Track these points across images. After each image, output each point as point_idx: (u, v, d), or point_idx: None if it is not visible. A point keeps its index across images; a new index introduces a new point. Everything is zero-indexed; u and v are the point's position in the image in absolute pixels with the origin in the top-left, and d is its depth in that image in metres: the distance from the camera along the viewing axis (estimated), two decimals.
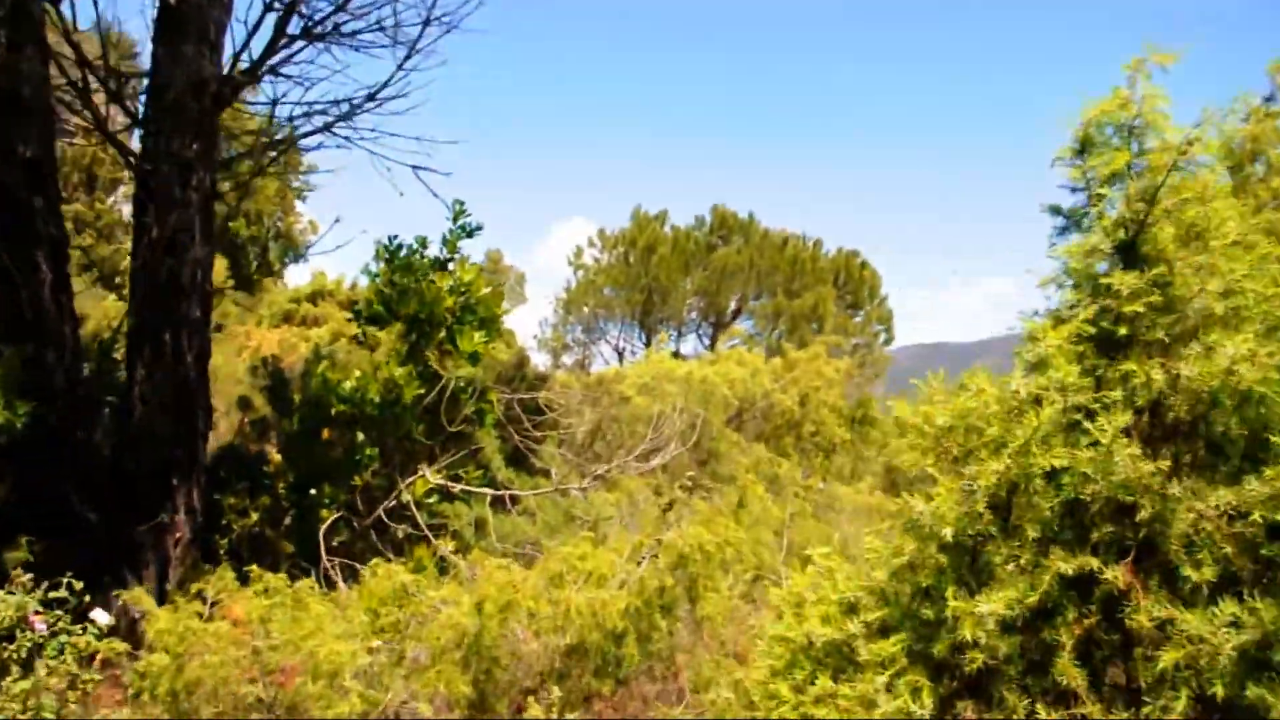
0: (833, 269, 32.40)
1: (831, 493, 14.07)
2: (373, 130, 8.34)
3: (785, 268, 31.91)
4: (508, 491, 7.18)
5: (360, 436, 7.15)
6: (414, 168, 8.16)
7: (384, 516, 7.00)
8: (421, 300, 7.22)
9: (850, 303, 32.63)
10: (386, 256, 8.54)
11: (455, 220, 8.69)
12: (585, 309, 34.37)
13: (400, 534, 7.04)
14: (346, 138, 8.46)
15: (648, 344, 35.78)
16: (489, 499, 7.27)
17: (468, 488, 6.93)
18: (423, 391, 7.02)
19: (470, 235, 8.62)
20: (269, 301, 25.45)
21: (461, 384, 7.25)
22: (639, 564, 5.15)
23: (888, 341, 32.94)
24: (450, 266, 8.20)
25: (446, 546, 6.00)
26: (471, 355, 7.26)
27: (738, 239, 34.22)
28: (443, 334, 7.42)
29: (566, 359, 36.53)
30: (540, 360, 32.30)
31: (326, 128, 8.45)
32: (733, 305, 33.44)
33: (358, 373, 7.21)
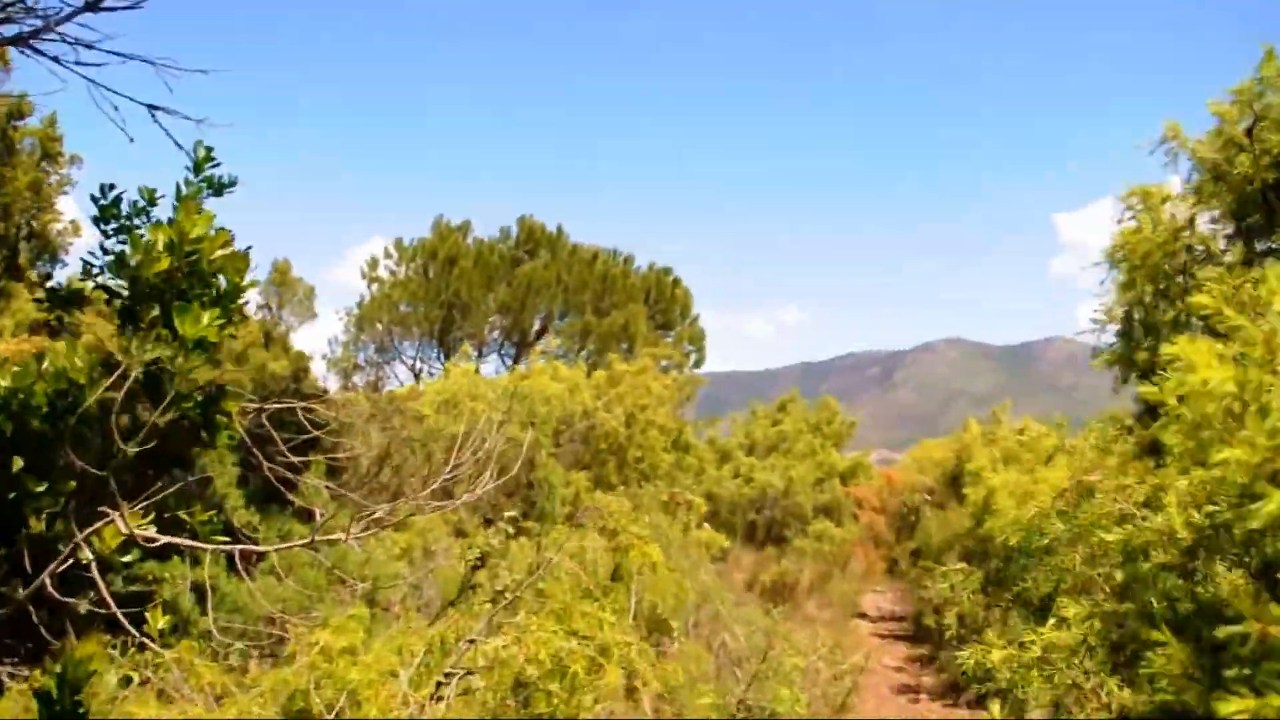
0: (644, 286, 30.86)
1: (659, 529, 12.22)
2: (91, 47, 5.93)
3: (595, 284, 30.18)
4: (240, 547, 4.94)
5: (18, 462, 4.82)
6: (150, 107, 5.83)
7: (49, 583, 4.68)
8: (123, 263, 4.92)
9: (661, 322, 31.15)
10: (98, 213, 5.99)
11: (198, 169, 5.92)
12: (379, 326, 31.63)
13: (84, 608, 4.76)
14: (55, 58, 6.02)
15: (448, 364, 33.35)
16: (224, 553, 5.05)
17: (183, 541, 4.72)
18: (118, 395, 4.80)
19: (219, 191, 5.95)
20: (14, 310, 21.92)
21: (186, 387, 5.05)
22: (437, 695, 3.05)
23: (699, 363, 31.65)
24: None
25: (157, 624, 3.77)
26: (198, 343, 4.89)
27: (545, 253, 32.26)
28: (155, 311, 5.08)
29: (358, 380, 33.67)
30: (330, 383, 29.51)
31: (21, 40, 5.98)
32: (537, 324, 31.43)
33: (15, 368, 4.88)
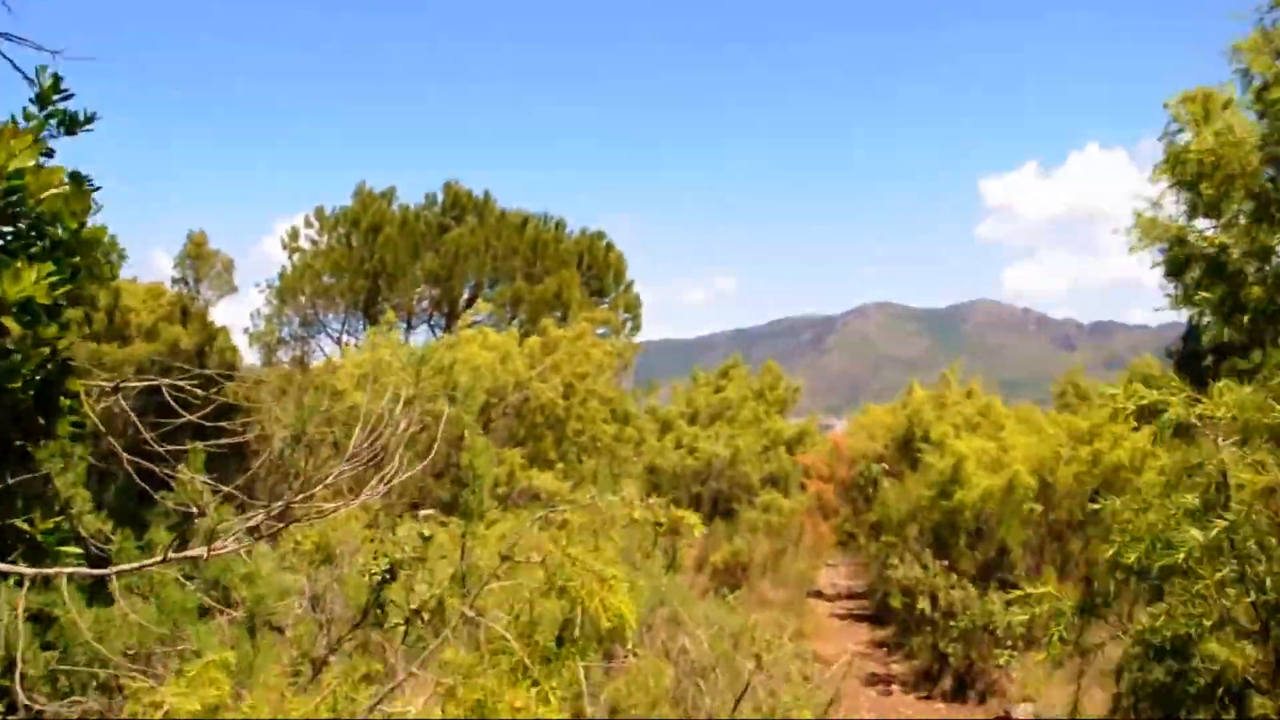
0: (576, 252, 29.71)
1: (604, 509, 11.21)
2: None
3: (525, 250, 28.95)
4: (85, 571, 3.81)
5: None
6: None
7: None
8: None
9: (595, 289, 30.05)
10: None
11: (42, 101, 4.58)
12: (302, 298, 30.13)
13: None
14: None
15: None
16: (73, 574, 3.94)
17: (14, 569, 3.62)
18: None
19: (71, 128, 4.65)
20: None
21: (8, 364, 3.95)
22: None
23: (635, 330, 30.63)
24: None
25: None
26: (23, 305, 3.71)
27: (473, 219, 30.95)
28: None
29: (283, 355, 32.18)
30: (254, 359, 28.08)
31: None
32: (467, 293, 30.18)
33: None
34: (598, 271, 30.22)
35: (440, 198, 31.55)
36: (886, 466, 16.17)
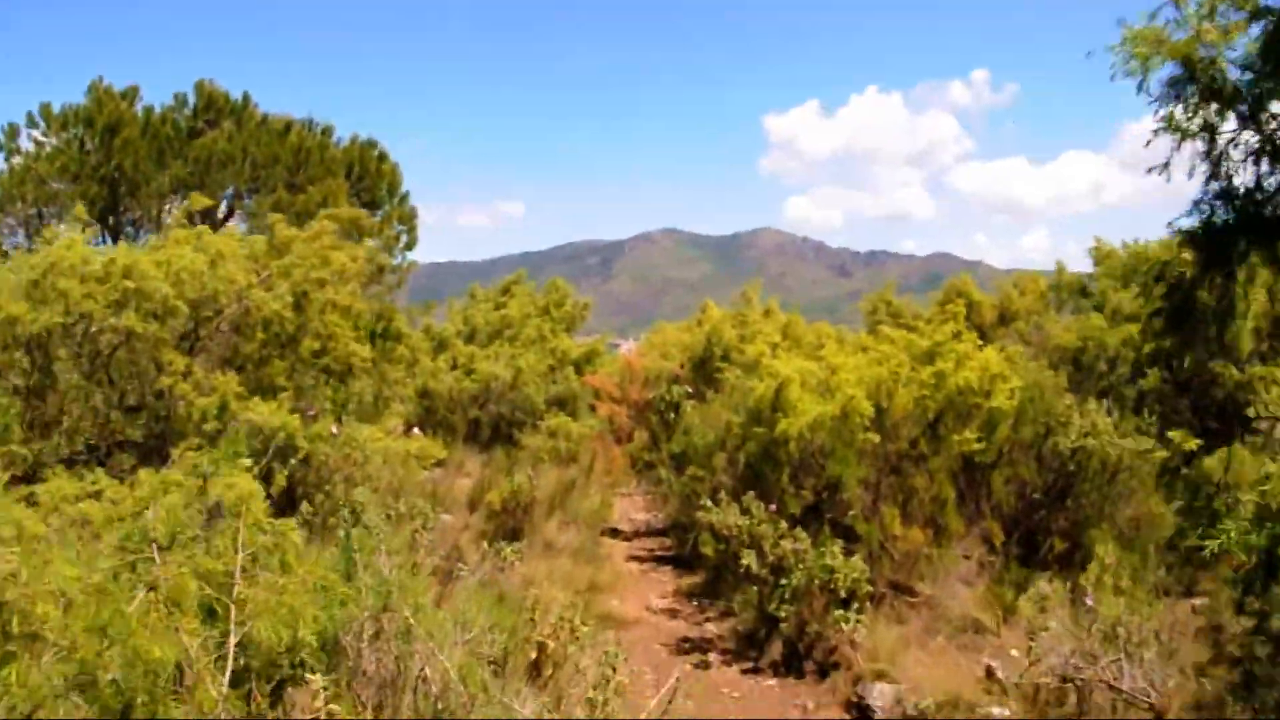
0: (345, 161, 26.83)
1: (356, 440, 9.16)
2: None
3: (287, 158, 25.87)
4: None
5: None
6: None
7: None
8: None
9: (367, 200, 27.28)
10: None
11: None
12: (21, 205, 26.14)
13: None
14: None
15: None
16: None
17: None
18: None
19: None
20: None
21: None
22: None
23: (410, 245, 28.08)
24: None
25: None
26: None
27: (229, 124, 27.52)
28: None
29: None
30: None
31: None
32: (224, 205, 26.89)
33: None
34: (370, 183, 27.41)
35: (192, 100, 27.97)
36: (689, 388, 14.63)
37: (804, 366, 9.09)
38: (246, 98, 28.02)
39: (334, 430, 9.67)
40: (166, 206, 26.32)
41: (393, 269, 27.29)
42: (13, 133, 27.70)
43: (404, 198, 28.37)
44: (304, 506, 9.38)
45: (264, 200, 25.31)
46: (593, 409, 17.37)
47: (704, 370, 17.32)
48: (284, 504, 9.36)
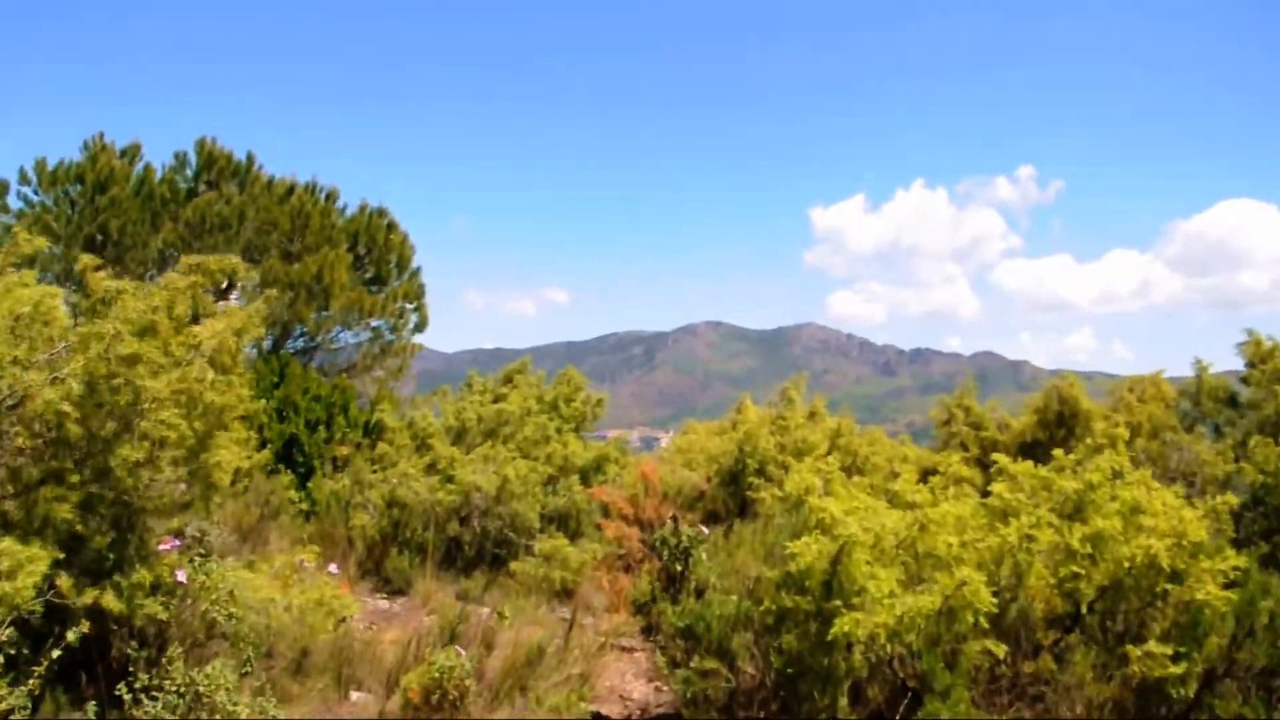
0: (350, 230, 24.21)
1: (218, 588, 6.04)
2: None
3: (285, 224, 23.32)
4: None
5: None
6: None
7: None
8: None
9: (373, 275, 24.62)
10: None
11: None
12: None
13: None
14: None
15: None
16: None
17: None
18: None
19: None
20: None
21: None
22: None
23: (420, 327, 25.23)
24: None
25: None
26: None
27: (230, 187, 25.03)
28: None
29: None
30: None
31: None
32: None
33: None
34: (376, 255, 24.73)
35: (193, 159, 25.57)
36: (703, 530, 11.43)
37: (873, 514, 5.77)
38: (251, 158, 25.52)
39: (179, 577, 6.56)
40: (149, 274, 23.72)
41: (394, 351, 24.47)
42: (2, 190, 25.36)
43: (414, 273, 25.57)
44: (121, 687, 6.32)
45: (252, 272, 22.69)
46: (599, 527, 14.15)
47: (735, 487, 14.10)
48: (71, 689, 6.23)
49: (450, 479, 13.23)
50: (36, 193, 25.00)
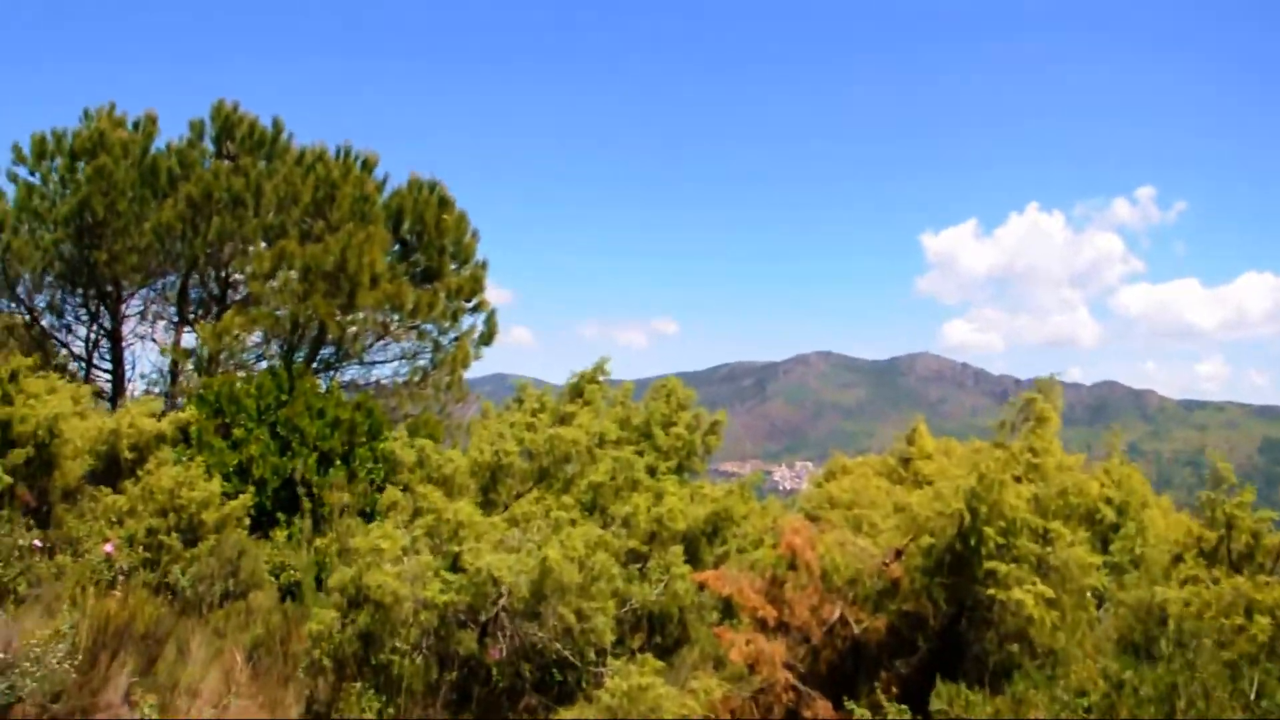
0: (393, 208, 18.83)
1: None
2: None
3: (308, 198, 18.05)
4: None
5: None
6: None
7: None
8: None
9: (424, 266, 19.14)
10: None
11: None
12: None
13: None
14: None
15: (112, 330, 20.87)
16: None
17: None
18: None
19: None
20: None
21: None
22: None
23: (487, 338, 19.56)
24: None
25: None
26: None
27: (256, 161, 19.85)
28: None
29: None
30: None
31: None
32: (227, 256, 19.00)
33: None
34: (429, 240, 19.25)
35: (209, 127, 20.56)
36: None
37: None
38: (279, 125, 20.26)
39: None
40: (133, 265, 18.56)
41: (440, 362, 18.85)
42: None
43: (478, 267, 19.98)
44: None
45: (265, 256, 17.36)
46: (719, 637, 8.23)
47: (956, 574, 8.00)
48: None
49: (457, 565, 7.45)
50: (32, 173, 20.32)
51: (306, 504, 11.36)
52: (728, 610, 8.85)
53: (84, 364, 21.67)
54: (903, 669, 8.27)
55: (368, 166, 19.02)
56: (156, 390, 19.80)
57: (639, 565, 8.74)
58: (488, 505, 9.57)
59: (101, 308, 20.68)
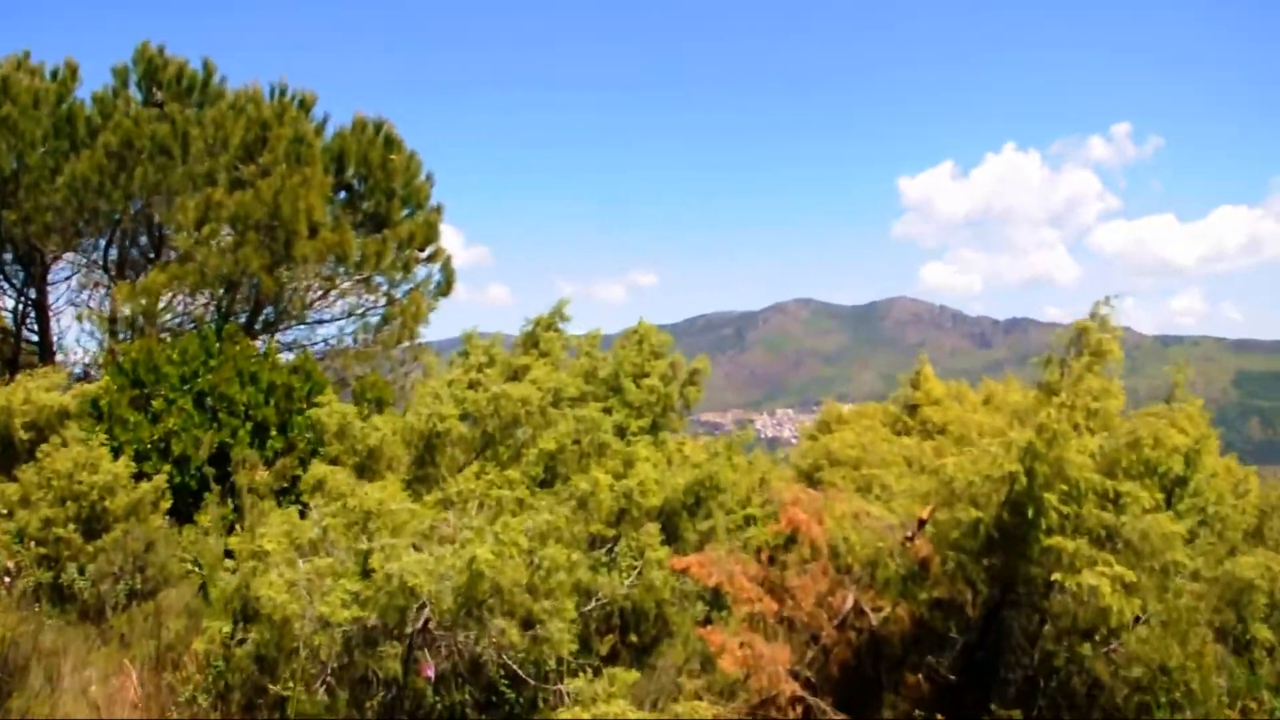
0: (334, 151, 16.85)
1: None
2: None
3: (237, 140, 16.07)
4: None
5: None
6: None
7: None
8: None
9: (371, 212, 17.22)
10: None
11: None
12: None
13: None
14: None
15: (37, 299, 18.96)
16: None
17: None
18: None
19: None
20: None
21: None
22: None
23: (444, 288, 17.68)
24: None
25: None
26: None
27: (185, 108, 17.77)
28: None
29: None
30: None
31: None
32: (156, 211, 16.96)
33: None
34: (375, 183, 17.31)
35: (133, 73, 18.48)
36: None
37: None
38: (210, 68, 18.22)
39: None
40: (48, 221, 16.54)
41: (391, 317, 16.94)
42: None
43: (432, 212, 18.06)
44: None
45: (189, 201, 15.39)
46: (704, 642, 6.55)
47: (1003, 549, 6.29)
48: None
49: (366, 568, 5.69)
50: None
51: (215, 487, 9.57)
52: (716, 600, 7.16)
53: (12, 338, 19.73)
54: (935, 669, 6.61)
55: (305, 106, 17.01)
56: (88, 364, 17.95)
57: (606, 549, 7.02)
58: (424, 482, 7.83)
59: (23, 274, 18.70)
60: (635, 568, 6.88)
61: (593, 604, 6.65)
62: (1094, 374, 6.30)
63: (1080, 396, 6.01)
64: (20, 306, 19.28)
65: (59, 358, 18.89)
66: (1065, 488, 5.60)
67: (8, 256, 18.27)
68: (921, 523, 6.95)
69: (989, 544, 5.90)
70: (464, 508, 6.53)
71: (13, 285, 18.94)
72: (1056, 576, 5.48)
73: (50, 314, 18.92)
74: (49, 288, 18.98)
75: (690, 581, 6.93)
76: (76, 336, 30.45)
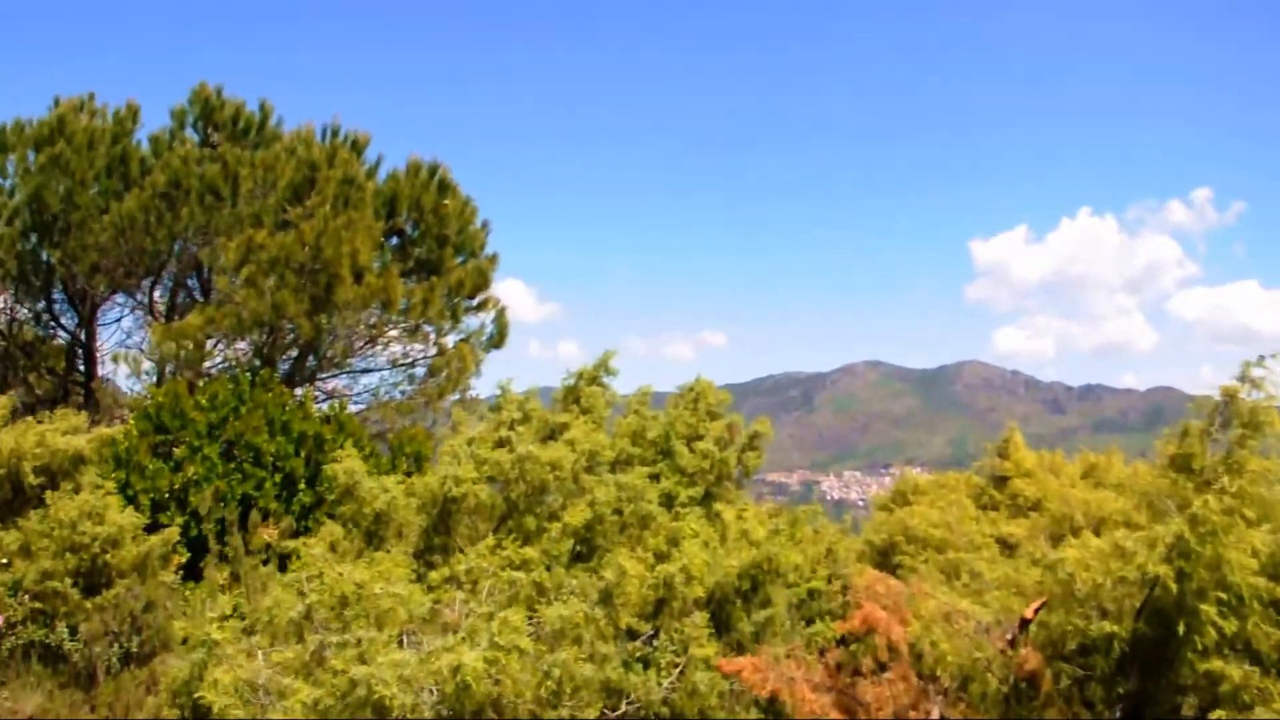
0: (386, 194, 16.06)
1: None
2: None
3: (285, 181, 15.35)
4: None
5: None
6: None
7: None
8: None
9: (423, 258, 16.34)
10: None
11: None
12: None
13: None
14: None
15: (86, 342, 18.46)
16: None
17: None
18: None
19: None
20: None
21: None
22: None
23: (497, 340, 16.73)
24: None
25: None
26: None
27: (245, 148, 17.20)
28: None
29: None
30: None
31: None
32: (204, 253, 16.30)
33: None
34: (427, 228, 16.51)
35: (189, 114, 18.00)
36: None
37: None
38: (266, 110, 17.73)
39: None
40: (94, 263, 15.92)
41: (437, 366, 15.97)
42: None
43: (485, 261, 17.17)
44: None
45: (231, 243, 14.62)
46: None
47: (1147, 668, 4.97)
48: None
49: (337, 672, 4.58)
50: None
51: (215, 546, 8.56)
52: (772, 709, 5.91)
53: (60, 379, 19.21)
54: None
55: (357, 147, 16.30)
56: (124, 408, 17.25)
57: (645, 639, 5.83)
58: (437, 552, 6.71)
59: (73, 314, 18.22)
60: (677, 665, 5.68)
61: (623, 707, 5.46)
62: (1248, 450, 5.01)
63: (1239, 479, 4.73)
64: (72, 347, 18.79)
65: (104, 401, 18.26)
66: (1224, 595, 4.33)
67: (58, 296, 17.78)
68: (1024, 622, 5.66)
69: (1120, 663, 4.62)
70: (472, 590, 5.41)
71: (62, 326, 18.45)
72: (1218, 716, 4.18)
73: (98, 355, 18.36)
74: (99, 329, 18.45)
75: (744, 688, 5.69)
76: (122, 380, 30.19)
